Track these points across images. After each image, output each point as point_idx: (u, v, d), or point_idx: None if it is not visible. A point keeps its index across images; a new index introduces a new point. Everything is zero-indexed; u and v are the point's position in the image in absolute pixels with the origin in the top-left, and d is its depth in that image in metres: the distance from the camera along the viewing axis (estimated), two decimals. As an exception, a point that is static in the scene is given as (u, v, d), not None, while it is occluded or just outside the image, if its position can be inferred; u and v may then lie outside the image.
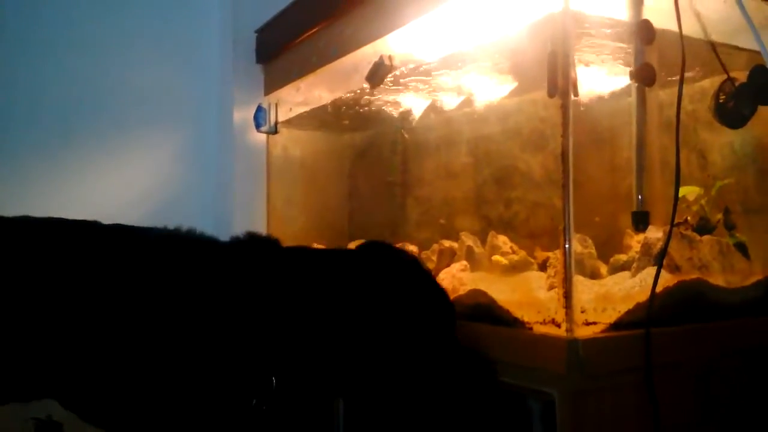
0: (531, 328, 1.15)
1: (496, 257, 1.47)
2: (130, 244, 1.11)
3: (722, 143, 1.47)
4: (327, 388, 1.12)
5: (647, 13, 1.23)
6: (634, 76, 1.24)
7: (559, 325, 1.10)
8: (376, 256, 1.14)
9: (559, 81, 1.10)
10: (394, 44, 1.58)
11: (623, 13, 1.24)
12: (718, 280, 1.27)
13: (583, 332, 1.09)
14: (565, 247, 1.10)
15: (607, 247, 1.46)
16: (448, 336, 1.13)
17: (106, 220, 1.18)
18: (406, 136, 2.05)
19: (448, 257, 1.60)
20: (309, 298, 1.05)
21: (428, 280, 1.15)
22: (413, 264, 1.16)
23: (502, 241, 1.53)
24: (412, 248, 1.74)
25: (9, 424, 1.56)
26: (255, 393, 1.01)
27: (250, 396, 1.01)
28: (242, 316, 1.03)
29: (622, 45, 1.28)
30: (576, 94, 1.14)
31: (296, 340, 1.04)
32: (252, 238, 1.12)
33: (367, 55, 1.64)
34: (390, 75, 1.57)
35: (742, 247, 1.36)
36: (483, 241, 1.59)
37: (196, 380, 1.01)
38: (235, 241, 1.12)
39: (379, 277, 1.09)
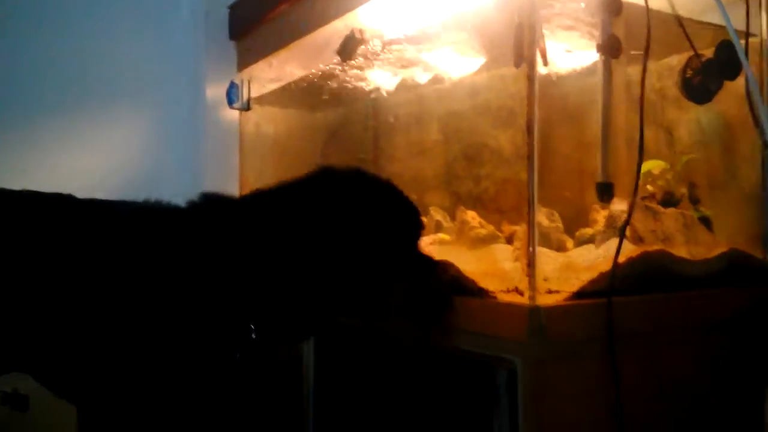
0: (495, 297, 1.16)
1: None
2: (100, 215, 1.11)
3: (689, 119, 1.49)
4: (303, 322, 1.11)
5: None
6: (600, 48, 1.25)
7: (522, 294, 1.11)
8: (327, 183, 1.13)
9: (525, 52, 1.10)
10: (365, 18, 1.57)
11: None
12: (681, 252, 1.29)
13: (545, 300, 1.10)
14: (528, 216, 1.10)
15: (576, 222, 1.48)
16: (412, 240, 1.16)
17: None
18: (392, 120, 2.04)
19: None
20: (270, 242, 1.05)
21: (378, 188, 1.16)
22: (358, 177, 1.16)
23: (471, 216, 1.54)
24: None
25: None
26: (236, 345, 1.02)
27: (232, 350, 1.02)
28: (209, 275, 1.03)
29: (590, 18, 1.28)
30: (546, 64, 1.15)
31: (266, 285, 1.04)
32: (206, 199, 1.12)
33: (338, 29, 1.63)
34: (360, 48, 1.56)
35: (706, 221, 1.38)
36: (453, 217, 1.59)
37: (175, 345, 1.01)
38: (192, 205, 1.11)
39: (333, 201, 1.09)
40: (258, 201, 1.13)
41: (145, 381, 1.02)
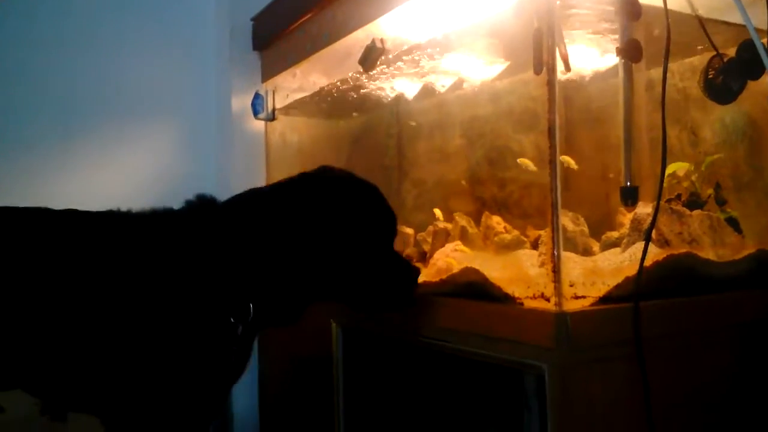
0: (521, 304, 1.16)
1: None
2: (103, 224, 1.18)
3: (713, 119, 1.48)
4: (295, 305, 1.21)
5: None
6: (620, 52, 1.25)
7: (548, 300, 1.11)
8: (315, 185, 1.21)
9: (544, 57, 1.11)
10: (386, 27, 1.59)
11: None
12: (708, 254, 1.28)
13: (571, 306, 1.10)
14: (552, 222, 1.11)
15: (602, 225, 1.48)
16: (387, 240, 1.25)
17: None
18: (413, 124, 2.05)
19: (442, 238, 1.61)
20: (262, 238, 1.15)
21: (361, 193, 1.23)
22: (346, 180, 1.23)
23: (496, 221, 1.54)
24: (408, 230, 1.75)
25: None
26: (238, 320, 1.13)
27: (234, 324, 1.13)
28: (213, 266, 1.13)
29: (609, 23, 1.28)
30: (568, 69, 1.15)
31: (260, 272, 1.14)
32: (204, 200, 1.21)
33: (359, 39, 1.65)
34: (382, 58, 1.57)
35: (733, 222, 1.37)
36: (477, 222, 1.60)
37: (186, 329, 1.11)
38: (191, 206, 1.20)
39: (319, 202, 1.18)
40: (253, 200, 1.22)
41: (164, 366, 1.10)
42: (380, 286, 1.23)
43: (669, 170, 1.36)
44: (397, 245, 1.32)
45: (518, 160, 1.49)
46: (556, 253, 1.10)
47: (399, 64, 1.64)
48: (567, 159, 1.40)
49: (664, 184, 1.22)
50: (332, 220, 1.17)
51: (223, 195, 1.21)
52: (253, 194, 1.24)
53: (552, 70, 1.11)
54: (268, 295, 1.16)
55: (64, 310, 1.08)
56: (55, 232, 1.15)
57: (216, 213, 1.19)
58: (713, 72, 1.34)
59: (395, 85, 1.80)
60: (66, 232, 1.15)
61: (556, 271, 1.09)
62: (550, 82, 1.11)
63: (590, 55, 1.47)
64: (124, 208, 1.21)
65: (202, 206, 1.20)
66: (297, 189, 1.21)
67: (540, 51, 1.11)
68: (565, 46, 1.15)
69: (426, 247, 1.65)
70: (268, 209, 1.18)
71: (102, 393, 1.11)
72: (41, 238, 1.13)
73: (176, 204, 1.22)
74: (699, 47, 1.42)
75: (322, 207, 1.17)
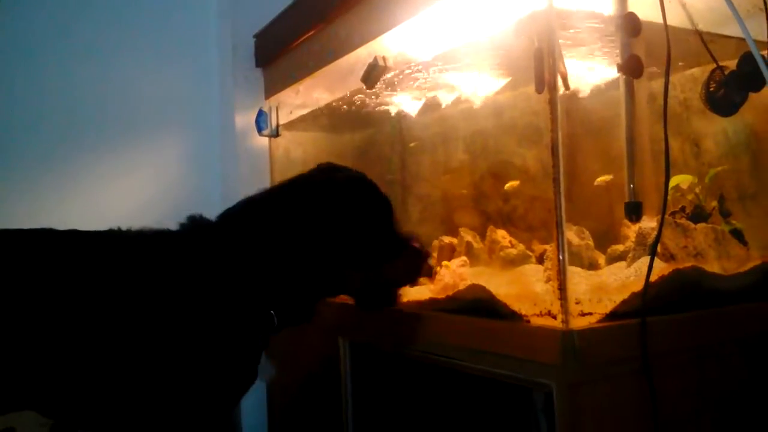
0: (528, 321, 1.17)
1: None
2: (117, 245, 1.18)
3: (716, 131, 1.48)
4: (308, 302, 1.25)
5: (632, 6, 1.24)
6: (621, 68, 1.25)
7: (554, 317, 1.11)
8: (307, 197, 1.23)
9: (546, 76, 1.12)
10: (389, 45, 1.60)
11: (609, 8, 1.25)
12: (714, 267, 1.28)
13: (578, 323, 1.10)
14: (558, 240, 1.11)
15: (607, 237, 1.48)
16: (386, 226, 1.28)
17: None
18: (412, 144, 2.06)
19: (448, 253, 1.61)
20: (277, 242, 1.18)
21: (354, 187, 1.26)
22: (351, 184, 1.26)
23: (501, 235, 1.55)
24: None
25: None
26: (261, 329, 1.18)
27: (257, 333, 1.18)
28: (237, 280, 1.15)
29: (609, 38, 1.29)
30: (567, 88, 1.15)
31: (277, 280, 1.18)
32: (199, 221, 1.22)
33: (362, 56, 1.66)
34: (384, 75, 1.58)
35: (738, 234, 1.37)
36: (482, 236, 1.60)
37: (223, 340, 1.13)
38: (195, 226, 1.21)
39: (313, 212, 1.21)
40: (254, 210, 1.24)
41: (190, 390, 1.10)
42: (391, 265, 1.27)
43: (672, 183, 1.36)
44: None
45: (506, 187, 1.51)
46: (561, 271, 1.10)
47: (402, 79, 1.65)
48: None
49: (668, 197, 1.23)
50: (333, 216, 1.20)
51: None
52: (250, 204, 1.26)
53: (553, 88, 1.12)
54: (285, 298, 1.19)
55: (82, 333, 1.08)
56: (71, 254, 1.14)
57: (221, 230, 1.20)
58: (714, 85, 1.35)
59: (398, 100, 1.81)
60: (81, 254, 1.15)
61: (563, 289, 1.10)
62: (552, 101, 1.12)
63: (592, 70, 1.48)
64: (125, 226, 1.21)
65: (201, 226, 1.21)
66: (295, 192, 1.25)
67: (541, 70, 1.12)
68: (564, 65, 1.15)
69: (432, 262, 1.66)
70: (270, 217, 1.21)
71: (117, 414, 1.11)
72: (57, 261, 1.13)
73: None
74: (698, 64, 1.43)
75: (322, 205, 1.20)
